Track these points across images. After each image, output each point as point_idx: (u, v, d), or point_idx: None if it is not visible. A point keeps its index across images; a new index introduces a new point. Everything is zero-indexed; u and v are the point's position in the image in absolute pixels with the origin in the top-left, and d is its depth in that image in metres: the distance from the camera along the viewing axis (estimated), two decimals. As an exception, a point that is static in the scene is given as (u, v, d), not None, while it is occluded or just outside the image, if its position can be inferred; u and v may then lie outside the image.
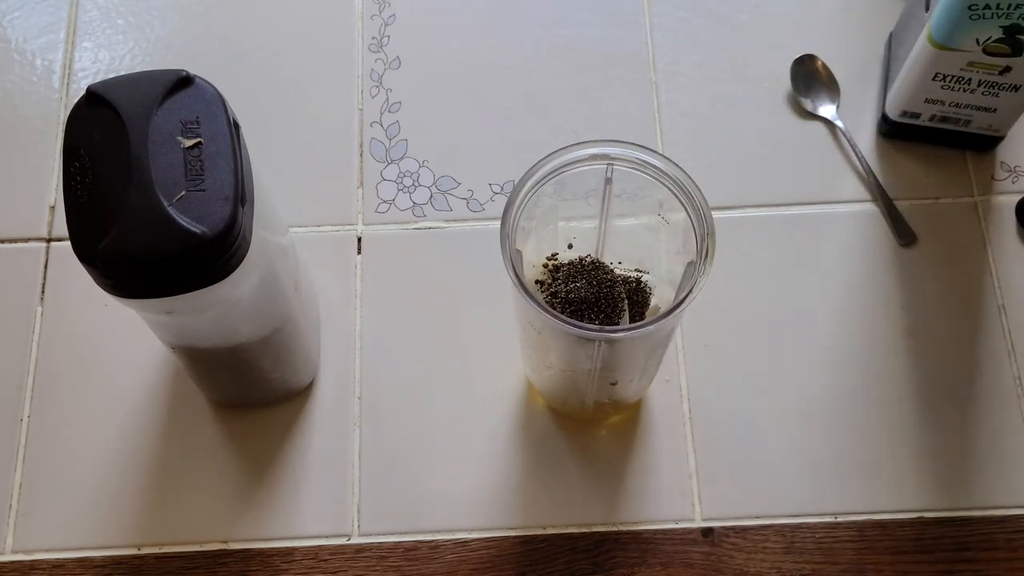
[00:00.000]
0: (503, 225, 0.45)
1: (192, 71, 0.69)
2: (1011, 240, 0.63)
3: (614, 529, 0.56)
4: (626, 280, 0.53)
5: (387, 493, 0.58)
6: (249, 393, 0.58)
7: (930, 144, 0.65)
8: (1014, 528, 0.56)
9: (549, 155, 0.46)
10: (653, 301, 0.53)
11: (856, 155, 0.65)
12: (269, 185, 0.66)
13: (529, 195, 0.46)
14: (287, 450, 0.59)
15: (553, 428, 0.59)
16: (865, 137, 0.66)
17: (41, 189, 0.65)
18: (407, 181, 0.65)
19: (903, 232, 0.63)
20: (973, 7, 0.53)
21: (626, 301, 0.51)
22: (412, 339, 0.61)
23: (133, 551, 0.57)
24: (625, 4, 0.70)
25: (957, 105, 0.61)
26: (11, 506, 0.58)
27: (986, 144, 0.64)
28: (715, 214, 0.45)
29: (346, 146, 0.67)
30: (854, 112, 0.67)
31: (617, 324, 0.50)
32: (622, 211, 0.51)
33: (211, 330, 0.49)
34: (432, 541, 0.56)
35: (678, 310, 0.43)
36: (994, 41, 0.55)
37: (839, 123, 0.66)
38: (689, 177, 0.45)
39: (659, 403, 0.59)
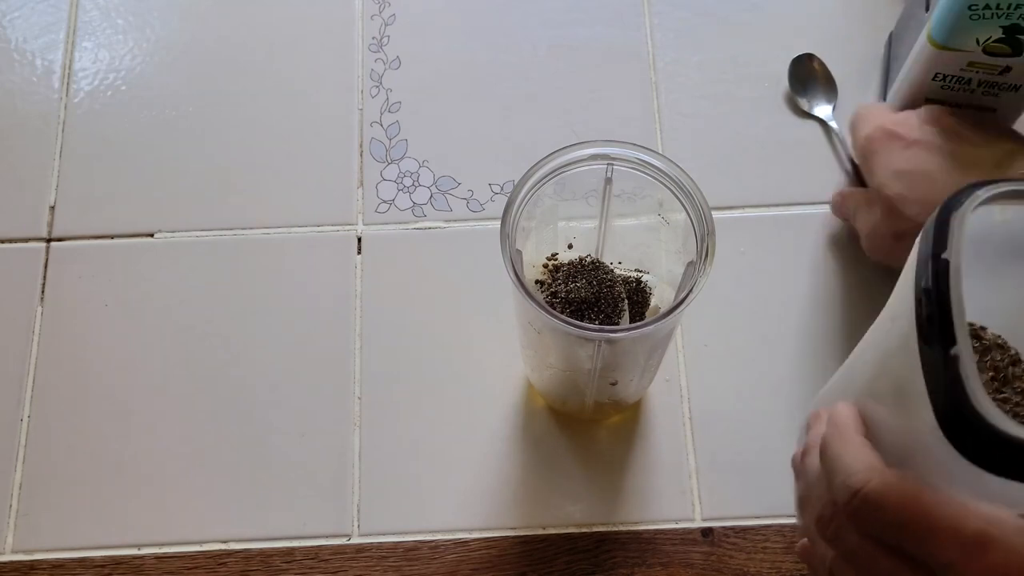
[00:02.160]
0: (503, 225, 0.45)
1: (192, 71, 0.69)
2: (1011, 240, 0.63)
3: (614, 529, 0.57)
4: (626, 280, 0.53)
5: (387, 493, 0.58)
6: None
7: (930, 144, 0.65)
8: (1014, 528, 0.56)
9: (549, 155, 0.46)
10: (653, 301, 0.53)
11: (848, 156, 0.65)
12: (270, 184, 0.66)
13: (529, 195, 0.46)
14: (288, 450, 0.59)
15: (553, 428, 0.59)
16: (865, 137, 0.66)
17: (41, 189, 0.65)
18: (407, 181, 0.65)
19: (903, 232, 0.63)
20: (973, 7, 0.53)
21: (626, 301, 0.51)
22: (412, 339, 0.61)
23: (133, 551, 0.57)
24: (625, 4, 0.70)
25: (957, 105, 0.61)
26: (11, 506, 0.58)
27: (986, 144, 0.64)
28: (715, 214, 0.45)
29: (346, 146, 0.67)
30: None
31: (617, 324, 0.50)
32: (622, 211, 0.51)
33: None
34: (432, 541, 0.56)
35: (678, 310, 0.43)
36: (994, 41, 0.55)
37: (833, 124, 0.66)
38: (689, 177, 0.45)
39: (659, 403, 0.59)
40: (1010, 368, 0.37)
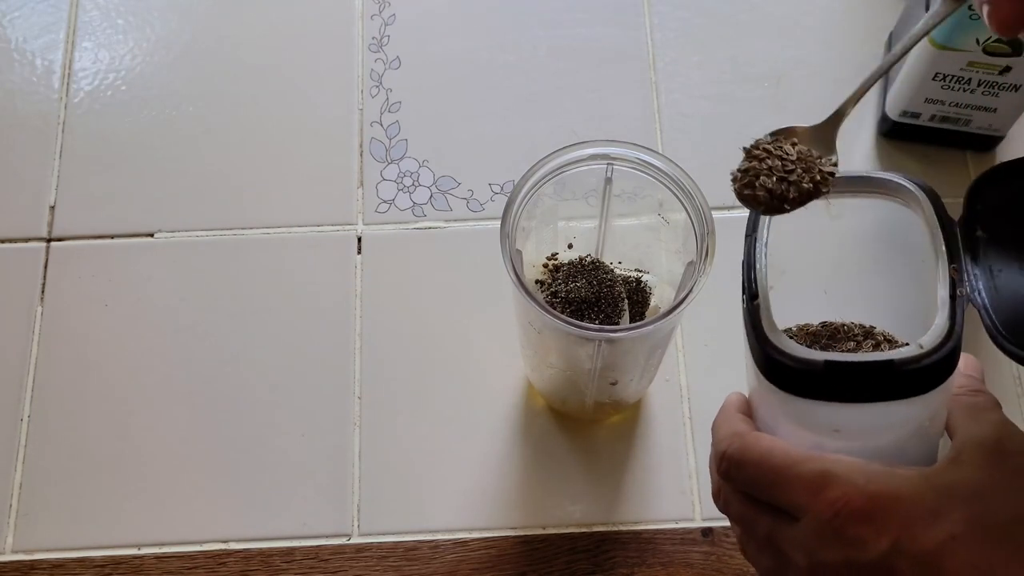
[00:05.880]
0: (503, 225, 0.45)
1: (192, 71, 0.69)
2: (1011, 240, 0.63)
3: (614, 529, 0.56)
4: (626, 280, 0.53)
5: (387, 493, 0.58)
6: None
7: (930, 144, 0.65)
8: (1014, 528, 0.56)
9: (549, 155, 0.46)
10: (653, 301, 0.53)
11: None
12: (270, 184, 0.66)
13: (529, 195, 0.46)
14: (288, 450, 0.59)
15: (553, 428, 0.59)
16: (865, 137, 0.66)
17: (41, 189, 0.65)
18: (407, 181, 0.65)
19: (903, 232, 0.63)
20: (973, 7, 0.53)
21: (626, 301, 0.51)
22: (412, 339, 0.61)
23: (133, 551, 0.57)
24: (625, 4, 0.70)
25: (957, 105, 0.61)
26: (11, 506, 0.58)
27: (986, 144, 0.64)
28: (715, 214, 0.45)
29: (346, 146, 0.67)
30: (854, 112, 0.67)
31: (617, 324, 0.50)
32: (622, 211, 0.51)
33: None
34: (432, 541, 0.56)
35: (678, 310, 0.43)
36: (994, 41, 0.55)
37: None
38: (689, 177, 0.45)
39: (659, 403, 0.59)
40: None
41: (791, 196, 0.38)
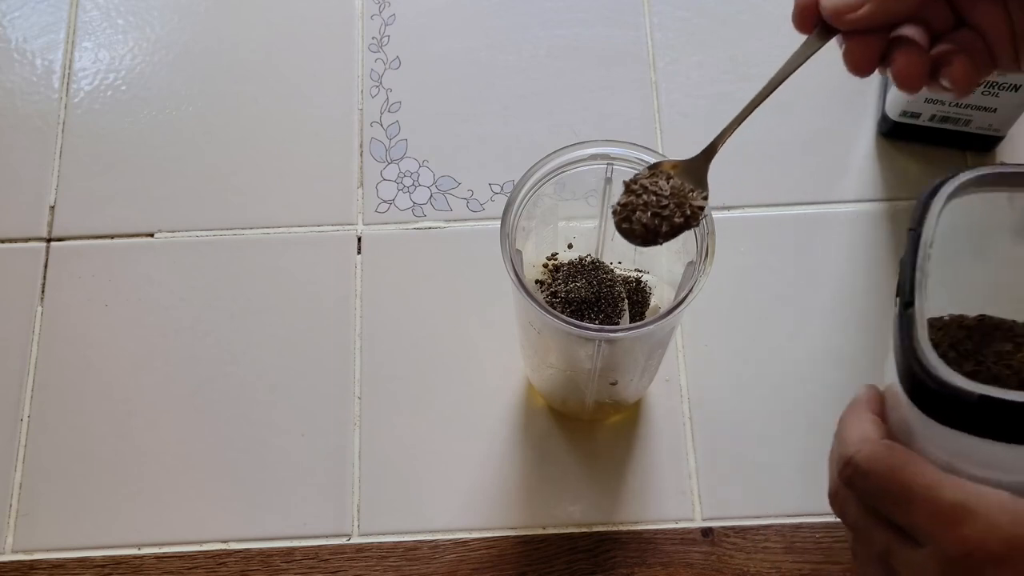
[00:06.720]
0: (503, 225, 0.45)
1: (192, 71, 0.69)
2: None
3: (614, 529, 0.57)
4: (626, 280, 0.53)
5: (387, 493, 0.58)
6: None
7: (930, 144, 0.65)
8: (1014, 528, 0.56)
9: (549, 155, 0.46)
10: (653, 301, 0.53)
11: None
12: (270, 184, 0.66)
13: (529, 195, 0.46)
14: (288, 450, 0.59)
15: (553, 428, 0.59)
16: (865, 137, 0.66)
17: (41, 189, 0.65)
18: (407, 181, 0.65)
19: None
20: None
21: (626, 301, 0.51)
22: (412, 339, 0.61)
23: (133, 551, 0.57)
24: (625, 4, 0.70)
25: (957, 105, 0.61)
26: (11, 506, 0.58)
27: (986, 144, 0.64)
28: (715, 214, 0.45)
29: (346, 146, 0.67)
30: (854, 112, 0.67)
31: (617, 324, 0.50)
32: (622, 211, 0.51)
33: None
34: (432, 541, 0.56)
35: (678, 310, 0.43)
36: (994, 41, 0.55)
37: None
38: (689, 177, 0.45)
39: (659, 403, 0.59)
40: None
41: (663, 230, 0.41)
